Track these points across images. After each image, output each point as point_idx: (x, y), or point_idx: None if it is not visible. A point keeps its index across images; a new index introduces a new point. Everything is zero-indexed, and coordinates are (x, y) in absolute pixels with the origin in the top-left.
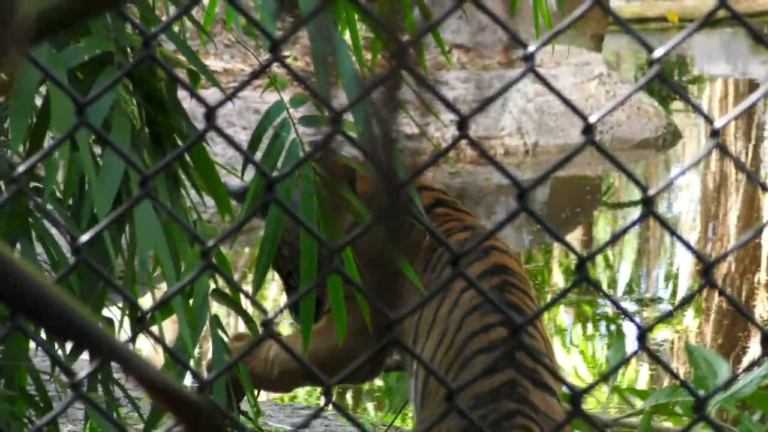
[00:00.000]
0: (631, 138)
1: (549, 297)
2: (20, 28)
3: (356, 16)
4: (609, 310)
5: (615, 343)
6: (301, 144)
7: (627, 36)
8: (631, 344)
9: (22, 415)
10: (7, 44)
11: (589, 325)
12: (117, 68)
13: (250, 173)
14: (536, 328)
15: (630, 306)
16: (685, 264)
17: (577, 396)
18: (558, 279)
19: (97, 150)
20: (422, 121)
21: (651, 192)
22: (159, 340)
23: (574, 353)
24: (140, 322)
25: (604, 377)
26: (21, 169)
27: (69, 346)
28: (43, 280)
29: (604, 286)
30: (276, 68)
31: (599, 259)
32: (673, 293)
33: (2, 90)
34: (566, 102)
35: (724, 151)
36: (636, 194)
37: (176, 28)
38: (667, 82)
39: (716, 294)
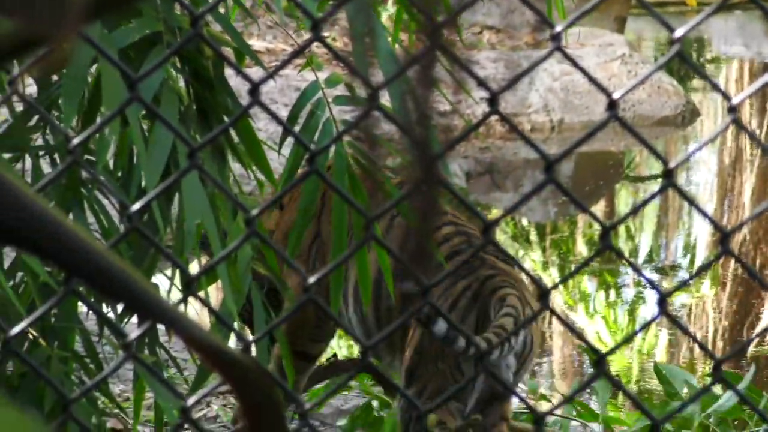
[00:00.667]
0: (652, 115)
1: (573, 266)
2: (75, 7)
3: None
4: (630, 279)
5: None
6: (334, 122)
7: (648, 18)
8: (651, 310)
9: (72, 373)
10: (63, 22)
11: (612, 293)
12: (166, 47)
13: (285, 150)
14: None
15: (650, 274)
16: (702, 235)
17: (601, 358)
18: (582, 249)
19: (145, 128)
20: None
21: (671, 164)
22: (206, 303)
23: (597, 319)
24: (188, 287)
25: (626, 340)
26: (76, 141)
27: (120, 308)
28: (98, 246)
29: (626, 256)
30: (315, 48)
31: (621, 229)
32: (691, 262)
33: (57, 66)
34: (591, 79)
35: (740, 126)
36: (656, 168)
37: (222, 10)
38: (687, 61)
39: (732, 263)
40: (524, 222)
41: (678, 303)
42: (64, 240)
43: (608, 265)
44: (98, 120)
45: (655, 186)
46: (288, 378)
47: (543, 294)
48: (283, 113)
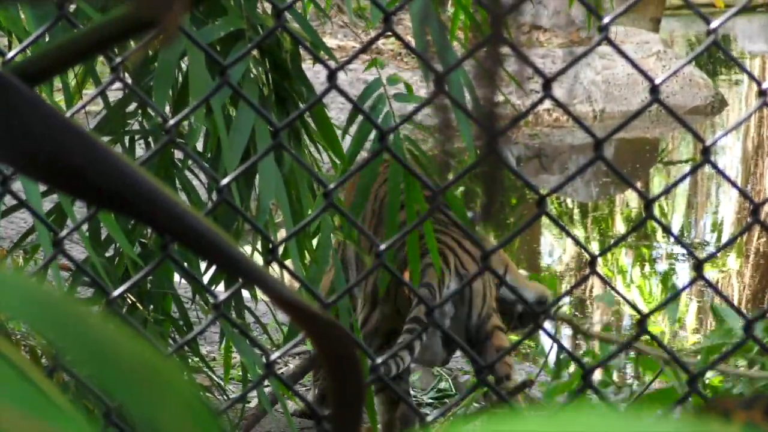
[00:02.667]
0: (684, 105)
1: (612, 240)
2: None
3: None
4: (663, 252)
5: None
6: (393, 116)
7: (680, 19)
8: (682, 282)
9: (167, 335)
10: (171, 6)
11: (647, 266)
12: (248, 42)
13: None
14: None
15: (681, 250)
16: (729, 215)
17: (643, 318)
18: (620, 227)
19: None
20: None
21: (708, 142)
22: (287, 268)
23: (633, 290)
24: (272, 253)
25: (665, 303)
26: (172, 122)
27: (210, 274)
28: (194, 211)
29: (659, 233)
30: (380, 45)
31: (655, 209)
32: (718, 239)
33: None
34: (634, 65)
35: None
36: (686, 155)
37: (299, 9)
38: (722, 48)
39: (755, 239)
40: (569, 202)
41: (707, 276)
42: (166, 206)
43: (644, 242)
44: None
45: (686, 168)
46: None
47: (484, 256)
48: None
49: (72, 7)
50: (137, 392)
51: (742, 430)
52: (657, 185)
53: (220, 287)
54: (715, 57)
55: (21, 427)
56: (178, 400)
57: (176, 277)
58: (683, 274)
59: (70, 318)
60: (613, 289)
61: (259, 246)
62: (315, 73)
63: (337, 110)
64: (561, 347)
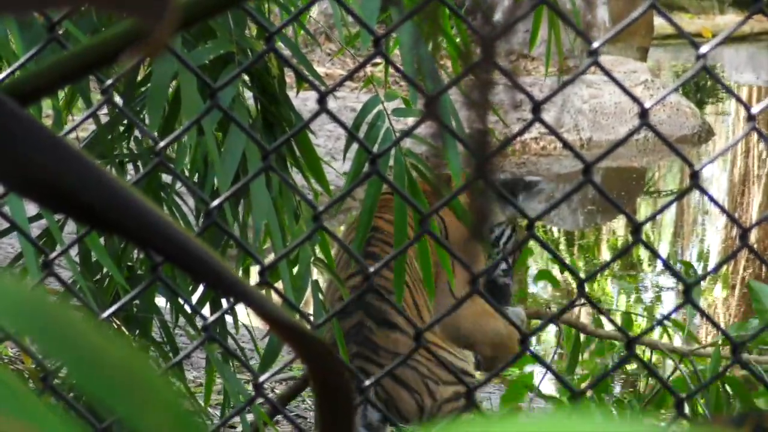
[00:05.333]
0: (671, 134)
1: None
2: (171, 14)
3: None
4: (648, 283)
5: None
6: (393, 132)
7: (667, 48)
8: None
9: (154, 361)
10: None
11: (632, 296)
12: (237, 66)
13: (345, 166)
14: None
15: (667, 279)
16: (714, 245)
17: (631, 342)
18: (605, 255)
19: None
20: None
21: (696, 167)
22: (276, 289)
23: (617, 318)
24: (261, 275)
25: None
26: (162, 144)
27: (196, 297)
28: (183, 230)
29: (645, 263)
30: (369, 71)
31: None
32: (704, 268)
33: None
34: (623, 89)
35: (759, 133)
36: (672, 185)
37: (288, 34)
38: (710, 73)
39: (741, 268)
40: (554, 230)
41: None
42: (157, 225)
43: (630, 271)
44: (176, 129)
45: (674, 196)
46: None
47: (365, 277)
48: (340, 131)
49: (61, 30)
50: (122, 395)
51: None
52: (644, 214)
53: (206, 311)
54: (702, 88)
55: (4, 426)
56: (162, 404)
57: (162, 301)
58: (669, 302)
59: (57, 320)
60: (602, 312)
61: (240, 271)
62: (303, 101)
63: (324, 137)
64: (549, 370)
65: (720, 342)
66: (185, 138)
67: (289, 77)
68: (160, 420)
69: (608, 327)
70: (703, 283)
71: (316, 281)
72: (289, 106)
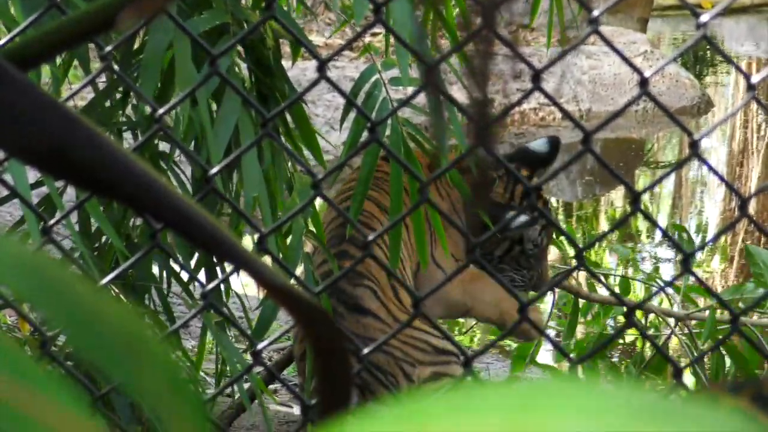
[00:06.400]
0: (671, 106)
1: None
2: None
3: None
4: (647, 254)
5: None
6: (390, 101)
7: (666, 19)
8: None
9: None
10: None
11: (630, 269)
12: (232, 37)
13: (342, 136)
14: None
15: (666, 250)
16: (713, 217)
17: (630, 310)
18: (604, 226)
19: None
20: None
21: (696, 136)
22: (277, 259)
23: (616, 291)
24: (259, 243)
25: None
26: (161, 111)
27: (193, 263)
28: (184, 197)
29: (644, 234)
30: (367, 41)
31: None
32: (703, 240)
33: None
34: (624, 58)
35: (759, 102)
36: (671, 156)
37: (284, 7)
38: (710, 42)
39: (739, 240)
40: (553, 201)
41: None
42: (157, 190)
43: (628, 243)
44: (171, 99)
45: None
46: None
47: (339, 254)
48: (340, 101)
49: None
50: (119, 359)
51: (728, 415)
52: (642, 185)
53: (202, 278)
54: (702, 59)
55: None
56: (159, 368)
57: (158, 271)
58: (668, 273)
59: (55, 281)
60: (600, 281)
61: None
62: (302, 71)
63: (324, 107)
64: (549, 341)
65: (715, 304)
66: (178, 109)
67: (285, 52)
68: (157, 385)
69: (606, 296)
70: (701, 255)
71: (308, 254)
72: (284, 77)
